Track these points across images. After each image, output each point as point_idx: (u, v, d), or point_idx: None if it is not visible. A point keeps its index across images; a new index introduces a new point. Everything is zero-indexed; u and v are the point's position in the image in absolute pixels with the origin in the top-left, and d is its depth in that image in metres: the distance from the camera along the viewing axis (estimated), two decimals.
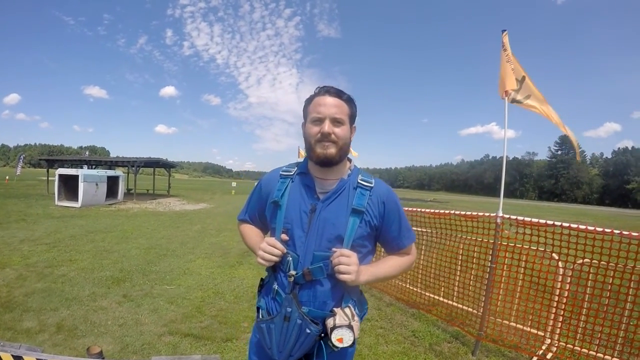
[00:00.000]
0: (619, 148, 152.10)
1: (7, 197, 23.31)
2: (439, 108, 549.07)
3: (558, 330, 4.85)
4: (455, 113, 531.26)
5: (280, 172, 2.03)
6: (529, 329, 5.08)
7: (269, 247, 1.83)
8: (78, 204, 20.68)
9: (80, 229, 13.07)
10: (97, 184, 22.44)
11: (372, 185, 1.91)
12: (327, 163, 1.88)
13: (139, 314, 5.59)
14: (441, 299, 6.36)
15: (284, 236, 1.87)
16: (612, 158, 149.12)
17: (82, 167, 24.93)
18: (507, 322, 5.26)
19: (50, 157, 35.35)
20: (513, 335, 5.08)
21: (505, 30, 4.86)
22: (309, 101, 1.95)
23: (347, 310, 1.77)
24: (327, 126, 1.83)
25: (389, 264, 2.02)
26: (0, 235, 11.05)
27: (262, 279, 2.09)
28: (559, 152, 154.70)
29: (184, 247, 10.98)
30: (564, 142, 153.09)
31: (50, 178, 28.91)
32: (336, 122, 1.85)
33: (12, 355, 1.57)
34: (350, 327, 1.70)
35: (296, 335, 1.73)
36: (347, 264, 1.72)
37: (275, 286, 1.90)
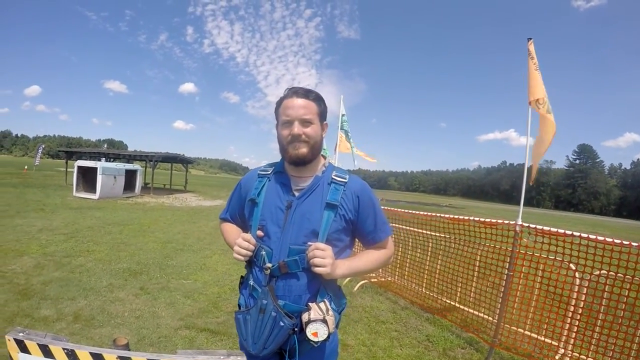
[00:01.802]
0: (638, 159, 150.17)
1: (25, 187, 23.60)
2: (457, 113, 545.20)
3: (572, 341, 4.81)
4: (473, 118, 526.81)
5: (258, 172, 2.11)
6: (543, 338, 5.05)
7: (244, 243, 1.89)
8: (96, 196, 20.90)
9: (97, 221, 13.22)
10: (115, 177, 22.67)
11: (345, 180, 1.97)
12: (300, 162, 1.94)
13: (155, 307, 5.65)
14: (456, 304, 6.34)
15: (259, 232, 1.94)
16: (631, 169, 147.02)
17: (100, 160, 25.17)
18: (521, 330, 5.23)
19: (69, 149, 35.72)
20: (527, 343, 5.05)
21: (531, 39, 4.83)
22: (278, 104, 2.01)
23: (322, 304, 1.81)
24: (296, 128, 1.89)
25: (366, 258, 2.06)
26: (19, 223, 11.20)
27: (242, 277, 2.15)
28: (577, 162, 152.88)
29: (200, 243, 11.06)
30: (582, 151, 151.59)
31: (68, 169, 29.22)
32: (305, 122, 1.91)
33: (38, 344, 1.59)
34: (324, 321, 1.74)
35: (270, 327, 1.77)
36: (322, 257, 1.77)
37: (252, 282, 1.96)
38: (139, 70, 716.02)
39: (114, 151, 39.29)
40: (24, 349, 1.59)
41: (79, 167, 22.29)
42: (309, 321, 1.74)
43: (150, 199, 24.46)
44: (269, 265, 1.85)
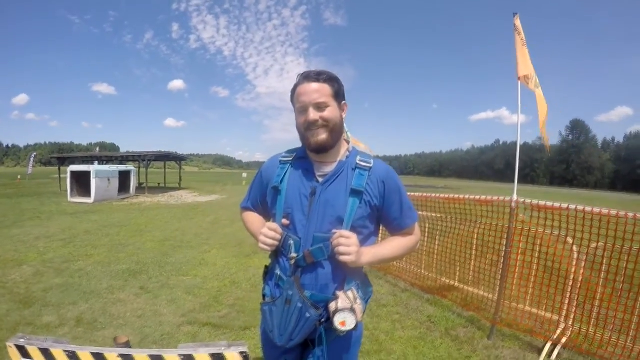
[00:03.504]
0: (630, 132, 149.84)
1: (20, 196, 23.47)
2: (448, 94, 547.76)
3: (572, 315, 4.83)
4: (465, 98, 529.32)
5: (280, 159, 2.05)
6: (543, 313, 5.07)
7: (270, 232, 1.84)
8: (91, 200, 20.93)
9: (94, 224, 13.20)
10: (109, 179, 22.69)
11: (370, 165, 1.90)
12: (322, 149, 1.89)
13: (157, 305, 5.66)
14: (456, 284, 6.37)
15: (285, 221, 1.89)
16: (624, 143, 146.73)
17: (93, 164, 25.07)
18: (522, 306, 5.26)
19: (61, 155, 35.58)
20: (528, 319, 5.08)
21: (516, 13, 4.80)
22: (292, 92, 1.95)
23: (349, 293, 1.78)
24: (312, 114, 1.84)
25: (392, 245, 2.02)
26: (15, 233, 11.16)
27: (266, 266, 2.10)
28: (570, 137, 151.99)
29: (198, 239, 11.07)
30: (575, 126, 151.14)
31: (62, 175, 29.09)
32: (320, 106, 1.84)
33: (39, 349, 1.58)
34: (352, 310, 1.72)
35: (296, 318, 1.75)
36: (347, 244, 1.72)
37: (278, 271, 1.92)
38: (127, 70, 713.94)
39: (106, 154, 39.14)
40: (25, 354, 1.59)
41: (72, 173, 22.23)
42: (337, 310, 1.72)
43: (146, 199, 24.48)
44: (294, 255, 1.81)
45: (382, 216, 1.98)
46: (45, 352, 1.58)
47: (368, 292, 1.99)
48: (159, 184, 37.29)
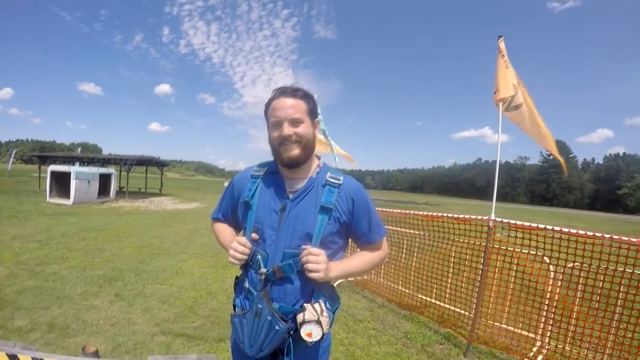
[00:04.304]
0: (610, 154, 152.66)
1: None
2: (433, 111, 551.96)
3: (549, 333, 4.89)
4: (449, 117, 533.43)
5: (251, 172, 2.07)
6: (520, 331, 5.12)
7: (239, 247, 1.87)
8: (70, 202, 20.61)
9: (72, 227, 13.01)
10: (89, 182, 22.38)
11: (340, 182, 1.94)
12: (294, 164, 1.91)
13: (131, 313, 5.57)
14: (433, 300, 6.38)
15: (255, 235, 1.91)
16: (603, 164, 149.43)
17: (74, 164, 24.80)
18: (498, 324, 5.30)
19: (43, 154, 35.10)
20: (504, 337, 5.11)
21: (501, 37, 4.88)
22: (267, 106, 1.97)
23: (316, 305, 1.80)
24: (286, 129, 1.86)
25: (359, 260, 2.05)
26: None
27: (237, 277, 2.12)
28: (551, 157, 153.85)
29: (176, 247, 10.96)
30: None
31: (42, 174, 28.75)
32: (295, 122, 1.87)
33: (7, 354, 1.57)
34: (318, 322, 1.74)
35: (266, 330, 1.77)
36: (316, 262, 1.76)
37: (247, 284, 1.93)
38: (114, 71, 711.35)
39: (88, 155, 38.71)
40: None
41: (52, 172, 21.96)
42: (304, 322, 1.74)
43: (125, 203, 24.18)
44: (264, 270, 1.83)
45: (351, 232, 2.01)
46: (14, 358, 1.56)
47: (335, 305, 2.00)
48: (139, 189, 36.95)
